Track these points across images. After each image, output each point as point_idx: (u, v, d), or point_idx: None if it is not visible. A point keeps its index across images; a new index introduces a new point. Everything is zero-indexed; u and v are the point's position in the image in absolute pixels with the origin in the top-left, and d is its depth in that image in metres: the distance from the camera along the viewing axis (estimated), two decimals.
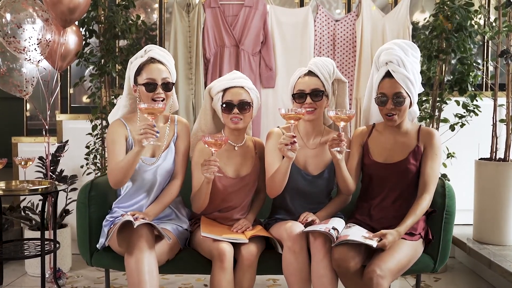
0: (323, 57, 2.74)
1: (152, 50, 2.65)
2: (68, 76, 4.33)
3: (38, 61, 3.27)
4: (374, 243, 2.30)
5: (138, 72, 2.61)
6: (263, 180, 2.70)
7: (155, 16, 4.45)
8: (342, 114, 2.34)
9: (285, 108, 2.36)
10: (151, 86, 2.57)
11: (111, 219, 2.59)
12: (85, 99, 3.85)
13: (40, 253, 3.03)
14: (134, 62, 2.65)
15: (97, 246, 2.62)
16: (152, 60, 2.61)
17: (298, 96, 2.64)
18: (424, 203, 2.45)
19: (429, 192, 2.48)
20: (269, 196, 2.65)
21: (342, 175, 2.53)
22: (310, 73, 2.66)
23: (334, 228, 2.41)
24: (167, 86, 2.60)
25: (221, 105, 2.65)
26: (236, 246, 2.46)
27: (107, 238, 2.47)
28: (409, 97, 2.51)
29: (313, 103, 2.61)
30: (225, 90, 2.67)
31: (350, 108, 3.03)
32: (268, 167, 2.61)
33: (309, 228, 2.44)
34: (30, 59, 3.23)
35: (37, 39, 3.18)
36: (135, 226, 2.31)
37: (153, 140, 2.34)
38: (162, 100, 2.57)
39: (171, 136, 2.69)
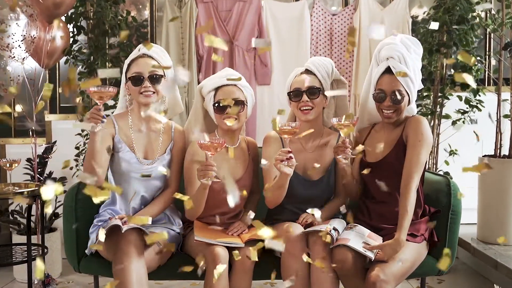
0: (322, 57, 2.63)
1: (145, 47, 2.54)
2: (57, 75, 4.21)
3: (23, 59, 3.14)
4: (372, 255, 2.21)
5: (128, 68, 2.51)
6: (257, 182, 2.61)
7: (146, 13, 4.34)
8: (346, 121, 2.23)
9: (279, 123, 2.18)
10: (137, 79, 2.45)
11: (99, 224, 2.46)
12: (77, 100, 3.76)
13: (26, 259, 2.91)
14: (127, 61, 2.56)
15: (86, 251, 2.49)
16: (142, 55, 2.52)
17: (294, 94, 2.52)
18: (411, 194, 2.28)
19: (413, 180, 2.29)
20: (267, 206, 2.54)
21: (348, 181, 2.45)
22: (307, 71, 2.55)
23: (334, 229, 2.33)
24: (155, 79, 2.46)
25: (213, 105, 2.52)
26: (231, 250, 2.33)
27: (94, 243, 2.33)
28: (408, 95, 2.42)
29: (310, 101, 2.48)
30: (217, 89, 2.55)
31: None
32: (265, 175, 2.49)
33: (309, 229, 2.34)
34: (14, 57, 3.11)
35: (22, 35, 3.06)
36: (123, 231, 2.18)
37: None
38: (153, 93, 2.45)
39: (168, 142, 2.56)
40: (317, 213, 2.10)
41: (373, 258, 2.20)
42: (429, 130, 2.42)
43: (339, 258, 2.23)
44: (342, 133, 2.23)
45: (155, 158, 2.52)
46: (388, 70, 2.42)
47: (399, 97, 2.38)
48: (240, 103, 2.50)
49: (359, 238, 2.29)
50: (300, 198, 2.51)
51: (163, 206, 2.52)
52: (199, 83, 3.81)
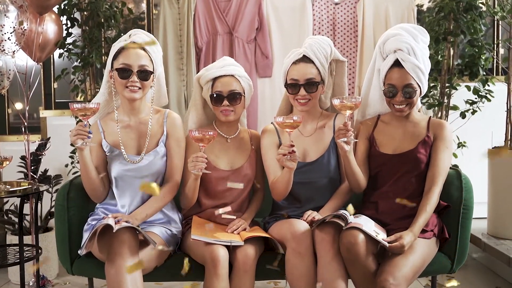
0: (319, 37, 2.50)
1: (136, 35, 2.43)
2: (52, 70, 4.09)
3: (14, 52, 3.03)
4: (387, 244, 2.10)
5: (116, 56, 2.36)
6: (261, 178, 2.55)
7: (144, 6, 4.23)
8: (348, 102, 2.14)
9: (281, 116, 2.16)
10: (125, 72, 2.32)
11: (93, 222, 2.34)
12: (76, 96, 3.65)
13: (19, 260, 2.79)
14: (116, 46, 2.42)
15: (78, 251, 2.37)
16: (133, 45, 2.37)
17: (291, 87, 2.43)
18: (433, 197, 2.26)
19: (437, 185, 2.28)
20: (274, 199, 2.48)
21: (351, 169, 2.32)
22: (304, 58, 2.43)
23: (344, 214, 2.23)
24: (144, 75, 2.33)
25: (211, 96, 2.47)
26: (232, 249, 2.22)
27: (83, 245, 2.22)
28: (419, 87, 2.33)
29: (307, 95, 2.40)
30: (214, 80, 2.48)
31: (349, 90, 2.81)
32: (267, 169, 2.45)
33: (320, 219, 2.23)
34: (4, 50, 2.99)
35: (11, 27, 2.95)
36: (114, 231, 2.06)
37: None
38: (138, 89, 2.33)
39: (160, 135, 2.42)
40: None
41: (387, 246, 2.09)
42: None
43: (348, 240, 2.11)
44: (344, 114, 2.17)
45: (143, 152, 2.38)
46: (397, 63, 2.33)
47: (410, 90, 2.30)
48: (237, 94, 2.44)
49: (370, 225, 2.19)
50: (303, 183, 2.41)
51: (163, 201, 2.37)
52: None
